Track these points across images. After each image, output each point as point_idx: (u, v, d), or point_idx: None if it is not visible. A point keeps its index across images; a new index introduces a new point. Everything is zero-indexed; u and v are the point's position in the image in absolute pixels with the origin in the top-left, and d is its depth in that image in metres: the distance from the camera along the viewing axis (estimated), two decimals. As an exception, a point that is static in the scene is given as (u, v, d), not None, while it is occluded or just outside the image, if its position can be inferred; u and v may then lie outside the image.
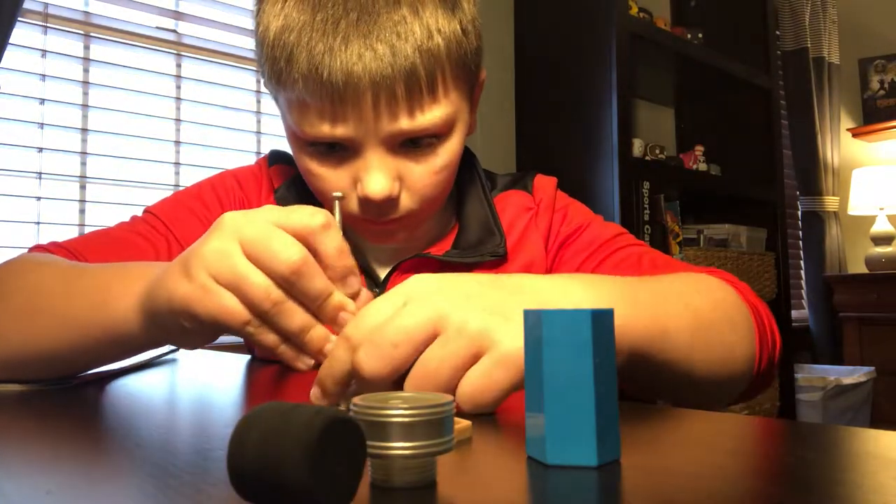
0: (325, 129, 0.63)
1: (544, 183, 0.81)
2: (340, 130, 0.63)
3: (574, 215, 0.79)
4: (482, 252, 0.73)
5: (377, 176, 0.64)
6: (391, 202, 0.66)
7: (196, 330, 0.46)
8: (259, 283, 0.43)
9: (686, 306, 0.53)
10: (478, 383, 0.40)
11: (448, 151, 0.67)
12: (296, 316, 0.44)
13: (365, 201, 0.65)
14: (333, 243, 0.45)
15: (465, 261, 0.72)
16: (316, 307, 0.44)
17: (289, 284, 0.43)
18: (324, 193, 0.69)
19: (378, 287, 0.74)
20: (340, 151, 0.65)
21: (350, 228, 0.72)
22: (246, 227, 0.44)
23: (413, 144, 0.65)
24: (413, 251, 0.75)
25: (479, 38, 0.69)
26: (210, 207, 0.77)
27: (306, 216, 0.45)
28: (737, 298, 0.61)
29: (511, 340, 0.40)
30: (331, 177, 0.66)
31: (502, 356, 0.40)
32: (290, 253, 0.43)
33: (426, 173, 0.66)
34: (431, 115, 0.64)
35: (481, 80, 0.74)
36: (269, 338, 0.45)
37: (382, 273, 0.75)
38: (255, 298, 0.43)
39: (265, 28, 0.64)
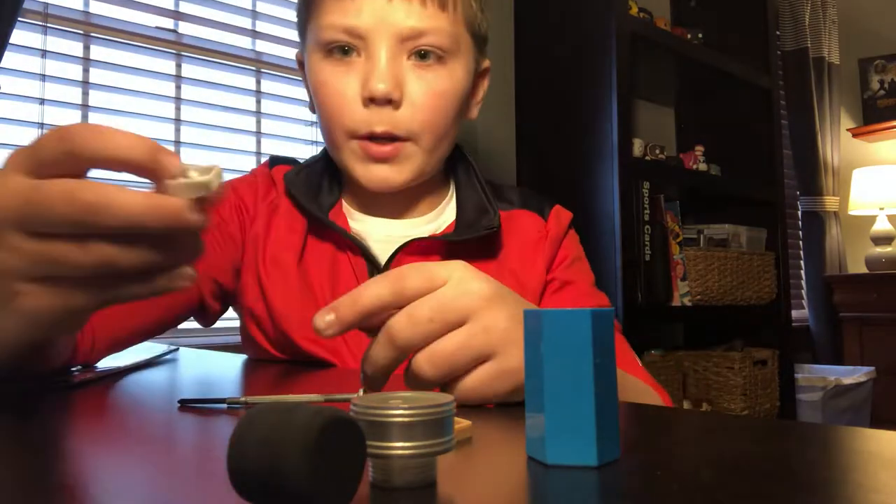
0: (341, 19, 0.72)
1: (561, 216, 0.85)
2: (353, 20, 0.71)
3: (571, 263, 0.82)
4: (477, 228, 0.78)
5: (382, 73, 0.71)
6: (393, 105, 0.72)
7: None
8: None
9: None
10: (475, 385, 0.43)
11: (449, 78, 0.74)
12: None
13: (369, 100, 0.71)
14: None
15: (463, 237, 0.76)
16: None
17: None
18: (335, 106, 0.74)
19: (380, 273, 0.75)
20: (353, 56, 0.73)
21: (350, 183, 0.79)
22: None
23: (419, 58, 0.73)
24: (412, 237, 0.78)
25: (482, 12, 0.78)
26: None
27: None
28: None
29: (519, 355, 0.42)
30: (341, 83, 0.73)
31: (504, 370, 0.43)
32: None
33: (428, 91, 0.73)
34: (440, 22, 0.72)
35: (486, 67, 0.82)
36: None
37: (383, 258, 0.77)
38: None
39: None
